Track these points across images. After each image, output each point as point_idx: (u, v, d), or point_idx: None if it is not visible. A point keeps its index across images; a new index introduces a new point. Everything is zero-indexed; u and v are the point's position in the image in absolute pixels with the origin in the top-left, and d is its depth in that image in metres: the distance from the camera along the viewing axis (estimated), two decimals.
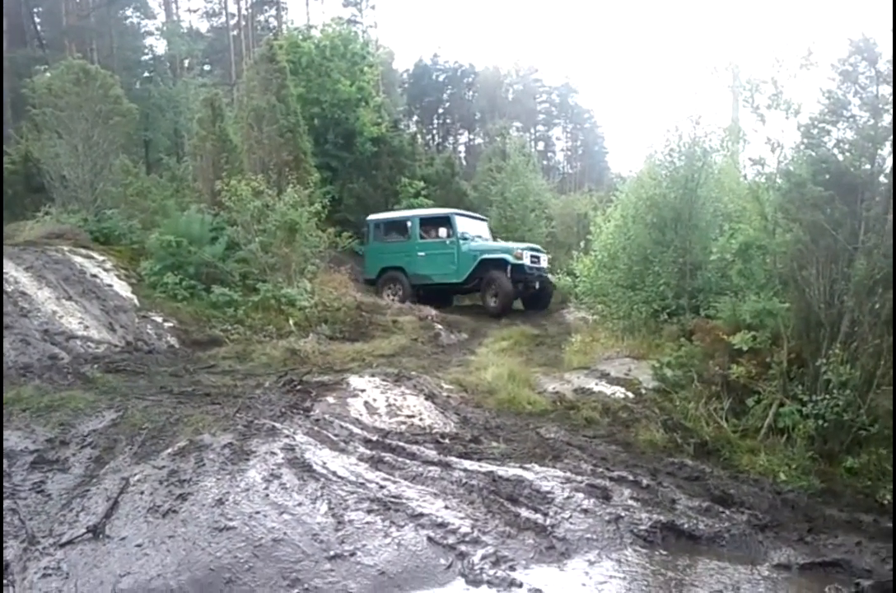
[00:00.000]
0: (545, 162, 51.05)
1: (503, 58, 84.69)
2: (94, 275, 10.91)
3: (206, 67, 34.80)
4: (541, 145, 58.95)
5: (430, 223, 15.49)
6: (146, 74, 27.63)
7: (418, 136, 25.27)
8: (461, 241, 14.87)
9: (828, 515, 5.29)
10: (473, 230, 15.62)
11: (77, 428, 6.14)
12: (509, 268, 14.03)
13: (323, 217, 13.18)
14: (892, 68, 5.90)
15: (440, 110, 52.54)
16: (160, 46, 31.65)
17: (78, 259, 11.28)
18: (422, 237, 15.38)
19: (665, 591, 4.31)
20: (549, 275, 13.69)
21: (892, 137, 6.05)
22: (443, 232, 14.90)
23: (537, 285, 14.62)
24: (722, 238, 8.33)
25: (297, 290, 11.73)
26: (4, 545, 4.47)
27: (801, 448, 5.96)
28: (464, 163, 41.11)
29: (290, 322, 10.98)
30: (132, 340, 9.68)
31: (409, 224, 15.70)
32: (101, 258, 11.61)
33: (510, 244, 15.14)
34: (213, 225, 12.45)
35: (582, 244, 11.69)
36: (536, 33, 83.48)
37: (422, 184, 19.12)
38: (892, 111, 5.97)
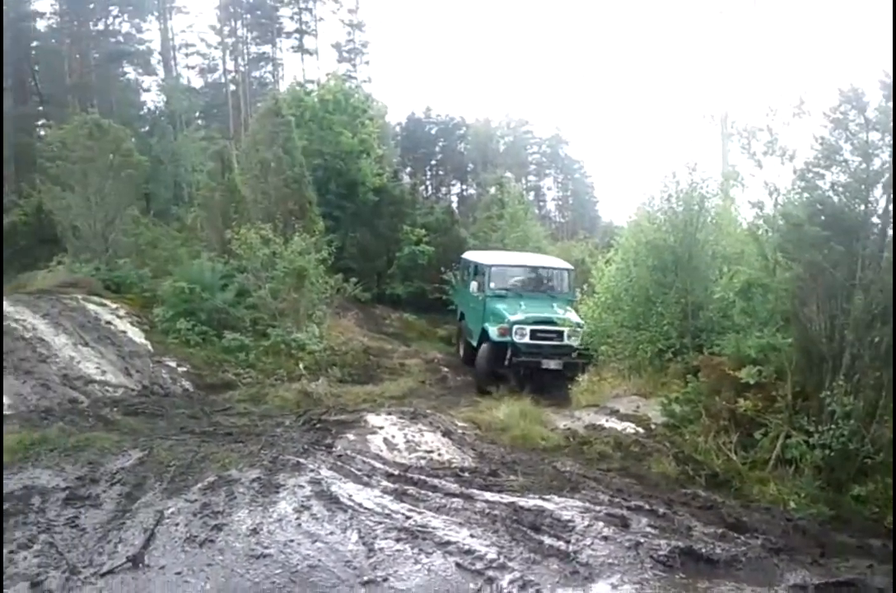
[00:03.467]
0: (537, 211, 51.78)
1: (494, 110, 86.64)
2: (109, 322, 11.18)
3: (200, 122, 35.61)
4: (531, 195, 59.95)
5: (478, 272, 13.11)
6: (145, 129, 28.33)
7: (417, 185, 25.87)
8: (490, 299, 12.28)
9: (838, 540, 5.46)
10: (539, 284, 13.02)
11: (105, 466, 6.31)
12: (495, 344, 11.34)
13: (329, 264, 13.52)
14: (892, 83, 6.27)
15: (433, 162, 53.63)
16: (157, 101, 32.63)
17: (92, 306, 11.58)
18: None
19: None
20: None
21: (891, 173, 6.41)
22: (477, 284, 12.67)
23: (545, 365, 11.08)
24: (724, 278, 8.66)
25: (306, 335, 12.00)
26: (47, 575, 4.57)
27: (808, 477, 6.17)
28: (456, 212, 41.79)
29: (301, 366, 11.22)
30: (148, 384, 9.88)
31: (468, 270, 13.66)
32: (114, 305, 11.91)
33: (516, 316, 11.48)
34: (223, 272, 12.79)
35: (584, 288, 11.96)
36: (527, 85, 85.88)
37: (423, 231, 19.59)
38: (892, 146, 6.31)
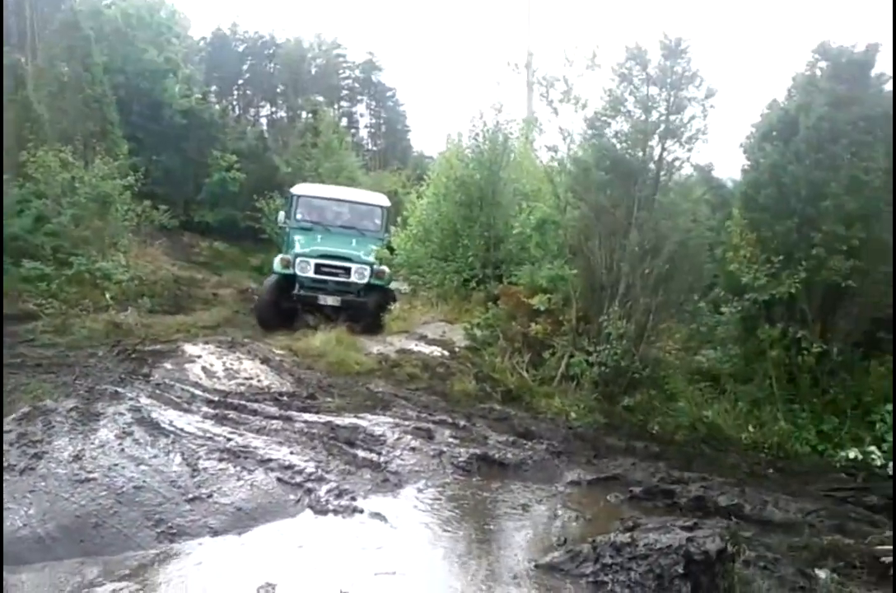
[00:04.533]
0: (350, 139, 51.19)
1: (305, 30, 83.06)
2: None
3: None
4: (344, 121, 58.92)
5: (289, 203, 12.51)
6: None
7: (228, 108, 24.85)
8: (294, 230, 11.82)
9: (609, 444, 6.45)
10: (350, 219, 12.23)
11: None
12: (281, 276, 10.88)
13: (135, 191, 13.00)
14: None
15: (240, 81, 50.99)
16: None
17: None
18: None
19: (482, 507, 5.20)
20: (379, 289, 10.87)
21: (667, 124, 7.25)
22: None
23: (322, 301, 10.68)
24: (522, 214, 9.41)
25: (111, 264, 11.60)
26: None
27: (587, 391, 7.14)
28: (266, 136, 40.49)
29: (108, 296, 10.89)
30: None
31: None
32: None
33: (303, 249, 11.13)
34: (18, 197, 11.94)
35: (397, 220, 12.39)
36: (339, 5, 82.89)
37: (234, 157, 19.06)
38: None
